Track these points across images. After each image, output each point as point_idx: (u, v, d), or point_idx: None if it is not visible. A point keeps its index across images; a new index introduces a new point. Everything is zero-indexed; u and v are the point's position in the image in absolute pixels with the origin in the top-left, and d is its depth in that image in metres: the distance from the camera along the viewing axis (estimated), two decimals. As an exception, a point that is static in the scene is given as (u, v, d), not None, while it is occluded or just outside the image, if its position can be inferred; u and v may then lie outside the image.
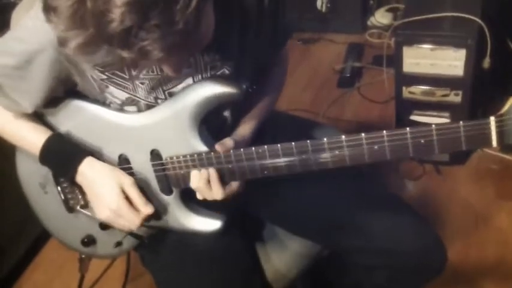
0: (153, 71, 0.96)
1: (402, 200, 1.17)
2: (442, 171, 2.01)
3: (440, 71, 1.76)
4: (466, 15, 1.72)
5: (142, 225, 1.02)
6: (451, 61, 1.73)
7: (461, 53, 1.70)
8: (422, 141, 0.85)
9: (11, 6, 1.81)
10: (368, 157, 0.89)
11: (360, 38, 2.77)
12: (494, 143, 0.83)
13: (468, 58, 1.70)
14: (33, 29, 0.92)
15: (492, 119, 0.81)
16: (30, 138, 1.06)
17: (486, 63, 1.76)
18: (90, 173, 1.02)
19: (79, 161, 1.02)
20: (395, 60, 1.82)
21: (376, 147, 0.87)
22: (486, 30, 1.69)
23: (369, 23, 2.82)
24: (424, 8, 1.78)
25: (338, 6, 2.78)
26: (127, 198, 1.01)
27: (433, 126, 0.84)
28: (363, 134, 0.88)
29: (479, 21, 1.69)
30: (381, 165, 1.81)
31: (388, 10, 2.80)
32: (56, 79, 0.98)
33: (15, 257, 1.85)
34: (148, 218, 1.02)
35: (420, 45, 1.74)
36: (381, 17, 2.78)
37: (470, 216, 1.83)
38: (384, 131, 0.87)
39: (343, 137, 0.89)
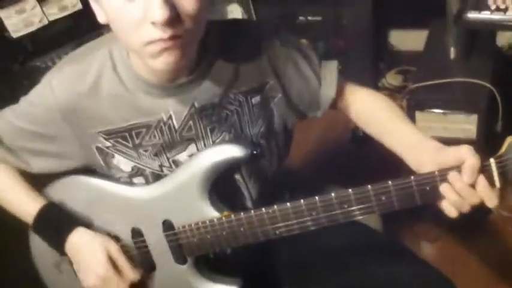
0: (155, 136, 0.99)
1: (403, 246, 1.15)
2: (459, 232, 1.99)
3: (453, 135, 1.79)
4: (476, 81, 1.75)
5: None
6: (463, 125, 1.76)
7: (473, 118, 1.73)
8: (427, 188, 0.86)
9: (41, 70, 1.87)
10: (377, 209, 0.90)
11: (373, 99, 2.82)
12: (497, 183, 0.84)
13: (480, 122, 1.73)
14: (45, 94, 0.97)
15: (492, 160, 0.83)
16: (24, 205, 1.07)
17: (499, 126, 1.78)
18: (79, 242, 1.03)
19: (69, 230, 1.04)
20: (408, 123, 1.85)
21: (383, 197, 0.89)
22: (497, 94, 1.72)
23: (380, 84, 2.88)
24: (434, 73, 1.83)
25: (350, 67, 2.85)
26: (114, 264, 1.02)
27: (436, 173, 0.86)
28: (369, 186, 0.89)
29: (489, 86, 1.73)
30: (396, 226, 1.82)
31: (398, 72, 2.86)
32: (63, 156, 1.03)
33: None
34: (134, 285, 1.03)
35: (432, 110, 1.78)
36: (392, 79, 2.84)
37: (488, 278, 1.79)
38: (389, 181, 0.88)
39: (350, 190, 0.90)
